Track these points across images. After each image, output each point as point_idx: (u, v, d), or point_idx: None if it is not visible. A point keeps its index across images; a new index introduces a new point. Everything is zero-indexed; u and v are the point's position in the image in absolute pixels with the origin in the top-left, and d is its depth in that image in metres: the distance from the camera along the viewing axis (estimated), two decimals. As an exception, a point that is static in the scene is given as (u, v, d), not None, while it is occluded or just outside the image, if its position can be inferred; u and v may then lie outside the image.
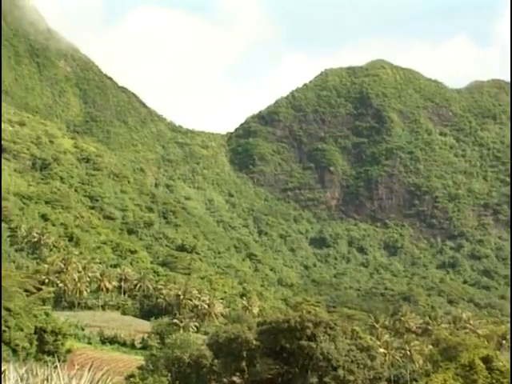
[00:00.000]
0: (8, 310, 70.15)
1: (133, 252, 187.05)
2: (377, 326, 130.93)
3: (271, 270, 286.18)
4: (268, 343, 67.99)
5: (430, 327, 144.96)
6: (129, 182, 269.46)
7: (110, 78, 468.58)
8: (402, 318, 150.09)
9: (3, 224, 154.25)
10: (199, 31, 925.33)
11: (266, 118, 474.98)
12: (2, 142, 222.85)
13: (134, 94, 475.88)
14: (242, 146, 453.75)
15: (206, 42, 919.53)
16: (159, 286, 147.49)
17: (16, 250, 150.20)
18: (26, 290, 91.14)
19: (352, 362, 68.10)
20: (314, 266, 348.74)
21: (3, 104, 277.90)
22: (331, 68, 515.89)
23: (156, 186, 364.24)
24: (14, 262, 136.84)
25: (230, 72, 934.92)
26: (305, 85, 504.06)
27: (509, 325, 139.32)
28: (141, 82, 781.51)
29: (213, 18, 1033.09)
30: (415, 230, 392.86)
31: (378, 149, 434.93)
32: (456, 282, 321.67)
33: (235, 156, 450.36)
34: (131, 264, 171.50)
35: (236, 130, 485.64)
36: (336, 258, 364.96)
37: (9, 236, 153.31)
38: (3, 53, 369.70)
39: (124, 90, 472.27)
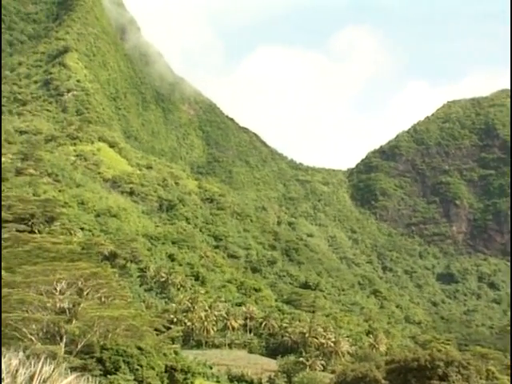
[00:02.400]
0: (140, 348, 71.85)
1: (257, 290, 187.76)
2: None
3: (397, 306, 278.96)
4: (397, 382, 65.93)
5: None
6: (251, 220, 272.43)
7: (232, 119, 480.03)
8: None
9: (133, 264, 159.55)
10: (317, 67, 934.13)
11: (388, 152, 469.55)
12: (131, 185, 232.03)
13: (254, 134, 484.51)
14: (364, 182, 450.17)
15: (324, 78, 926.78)
16: (284, 324, 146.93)
17: (145, 290, 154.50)
18: (155, 329, 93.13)
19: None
20: (443, 302, 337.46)
21: (132, 148, 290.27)
22: (454, 100, 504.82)
23: (278, 223, 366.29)
24: (144, 301, 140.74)
25: (349, 107, 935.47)
26: (427, 117, 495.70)
27: None
28: (261, 122, 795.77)
29: (329, 52, 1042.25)
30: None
31: (507, 180, 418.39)
32: None
33: (357, 192, 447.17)
34: (256, 302, 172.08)
35: (357, 165, 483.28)
36: (465, 294, 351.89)
37: (138, 276, 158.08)
38: (132, 99, 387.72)
39: (245, 130, 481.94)
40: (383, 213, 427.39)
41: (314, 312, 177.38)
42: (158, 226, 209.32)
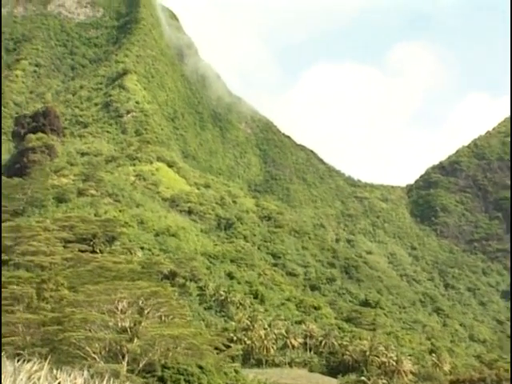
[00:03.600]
0: (200, 367, 71.96)
1: (316, 308, 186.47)
2: None
3: (460, 324, 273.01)
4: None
5: None
6: (310, 238, 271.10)
7: (288, 137, 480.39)
8: None
9: (192, 283, 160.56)
10: (373, 82, 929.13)
11: (448, 168, 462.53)
12: (190, 204, 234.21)
13: (311, 151, 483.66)
14: (423, 198, 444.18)
15: (381, 93, 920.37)
16: (345, 343, 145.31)
17: (205, 309, 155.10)
18: (215, 348, 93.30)
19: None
20: (508, 320, 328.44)
21: (190, 167, 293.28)
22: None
23: (337, 241, 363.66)
24: (203, 320, 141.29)
25: (407, 122, 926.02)
26: (488, 132, 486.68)
27: None
28: (318, 139, 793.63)
29: (386, 67, 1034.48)
30: None
31: None
32: None
33: (416, 208, 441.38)
34: (315, 320, 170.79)
35: (416, 181, 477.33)
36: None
37: (198, 295, 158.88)
38: (189, 119, 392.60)
39: (302, 147, 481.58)
40: (444, 229, 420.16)
41: (374, 330, 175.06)
42: (216, 245, 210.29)
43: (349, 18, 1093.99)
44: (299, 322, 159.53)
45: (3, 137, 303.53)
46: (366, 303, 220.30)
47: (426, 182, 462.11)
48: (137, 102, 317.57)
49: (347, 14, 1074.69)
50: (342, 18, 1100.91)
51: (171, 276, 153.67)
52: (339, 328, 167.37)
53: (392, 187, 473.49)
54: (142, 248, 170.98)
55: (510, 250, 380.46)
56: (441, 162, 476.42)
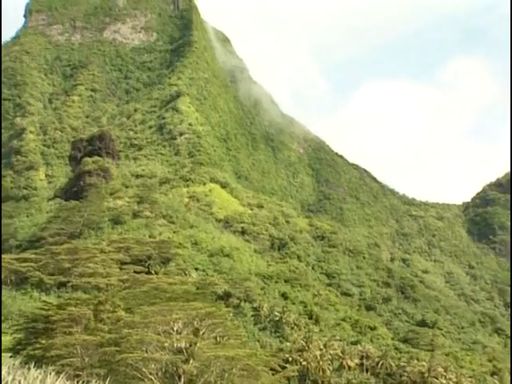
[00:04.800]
0: (256, 389, 71.70)
1: (372, 328, 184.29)
2: None
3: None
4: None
5: None
6: (364, 257, 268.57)
7: (341, 156, 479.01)
8: None
9: (247, 304, 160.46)
10: (426, 98, 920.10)
11: (505, 184, 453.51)
12: (243, 225, 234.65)
13: (365, 170, 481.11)
14: (480, 216, 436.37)
15: (434, 110, 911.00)
16: (402, 364, 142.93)
17: (260, 329, 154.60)
18: (271, 369, 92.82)
19: None
20: None
21: (243, 188, 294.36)
22: None
23: (392, 260, 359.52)
24: (258, 340, 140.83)
25: (461, 139, 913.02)
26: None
27: None
28: (371, 158, 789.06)
29: (438, 83, 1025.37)
30: None
31: None
32: None
33: (473, 226, 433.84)
34: (371, 341, 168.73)
35: (472, 199, 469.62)
36: None
37: (252, 315, 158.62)
38: (242, 140, 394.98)
39: (355, 166, 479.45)
40: (502, 247, 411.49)
41: (432, 351, 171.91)
42: (270, 265, 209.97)
43: (400, 34, 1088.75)
44: (355, 343, 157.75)
45: (61, 161, 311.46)
46: (423, 323, 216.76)
47: (483, 199, 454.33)
48: (190, 124, 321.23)
49: (398, 30, 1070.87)
50: (393, 34, 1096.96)
51: (225, 296, 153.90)
52: (396, 349, 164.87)
53: (447, 205, 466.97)
54: (197, 269, 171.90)
55: None
56: (498, 179, 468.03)
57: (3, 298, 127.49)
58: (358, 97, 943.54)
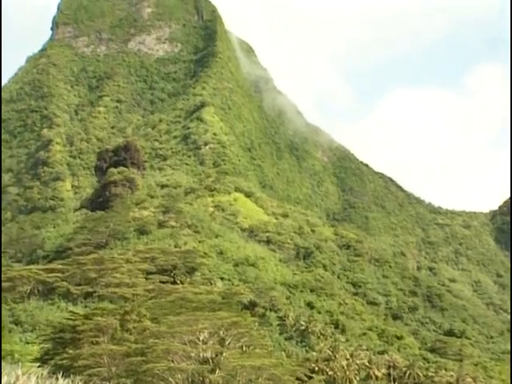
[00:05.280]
0: (282, 398, 71.46)
1: (399, 338, 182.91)
2: None
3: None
4: None
5: None
6: (390, 266, 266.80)
7: (366, 165, 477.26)
8: None
9: (272, 313, 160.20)
10: (451, 106, 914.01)
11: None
12: (268, 234, 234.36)
13: (390, 179, 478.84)
14: (508, 224, 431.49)
15: (459, 117, 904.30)
16: (430, 373, 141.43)
17: (285, 339, 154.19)
18: (297, 379, 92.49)
19: None
20: None
21: (267, 197, 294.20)
22: None
23: (418, 269, 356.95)
24: (284, 350, 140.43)
25: (487, 146, 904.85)
26: None
27: None
28: (396, 166, 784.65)
29: (463, 90, 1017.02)
30: None
31: None
32: None
33: (500, 234, 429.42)
34: (398, 350, 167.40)
35: (500, 207, 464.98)
36: None
37: (278, 325, 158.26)
38: (266, 149, 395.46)
39: (380, 175, 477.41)
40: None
41: (461, 361, 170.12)
42: (295, 274, 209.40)
43: (424, 42, 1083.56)
44: (382, 352, 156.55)
45: (87, 171, 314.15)
46: (450, 333, 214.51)
47: (510, 207, 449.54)
48: (214, 134, 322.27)
49: (422, 38, 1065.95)
50: (416, 42, 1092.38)
51: (251, 306, 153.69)
52: (424, 358, 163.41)
53: (475, 213, 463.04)
54: (222, 278, 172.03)
55: None
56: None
57: (31, 309, 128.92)
58: (383, 105, 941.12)
